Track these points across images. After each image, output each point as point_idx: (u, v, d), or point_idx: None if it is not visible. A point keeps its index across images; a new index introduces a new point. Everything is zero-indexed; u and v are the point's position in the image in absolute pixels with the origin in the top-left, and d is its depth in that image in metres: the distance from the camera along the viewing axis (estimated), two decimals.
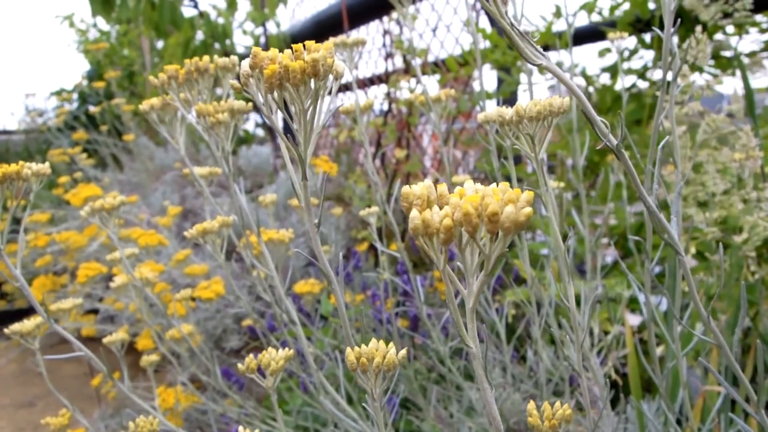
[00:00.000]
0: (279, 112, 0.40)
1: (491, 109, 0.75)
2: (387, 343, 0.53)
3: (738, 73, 1.73)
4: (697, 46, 0.77)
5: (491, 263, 0.31)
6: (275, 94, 0.37)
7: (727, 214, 1.16)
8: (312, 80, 0.37)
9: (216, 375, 1.12)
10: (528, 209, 0.29)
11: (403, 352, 0.48)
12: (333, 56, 0.37)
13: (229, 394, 1.15)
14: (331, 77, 0.38)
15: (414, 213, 0.31)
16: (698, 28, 0.80)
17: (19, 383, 2.49)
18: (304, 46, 0.37)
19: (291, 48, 0.37)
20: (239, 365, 0.60)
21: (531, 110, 0.46)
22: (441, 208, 0.32)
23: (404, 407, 1.40)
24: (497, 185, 0.32)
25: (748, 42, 1.81)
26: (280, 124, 0.45)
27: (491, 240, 0.30)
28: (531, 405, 0.46)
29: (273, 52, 0.37)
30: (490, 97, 2.20)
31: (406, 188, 0.32)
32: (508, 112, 0.48)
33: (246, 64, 0.39)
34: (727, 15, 1.40)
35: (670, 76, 0.58)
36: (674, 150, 0.63)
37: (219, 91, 0.76)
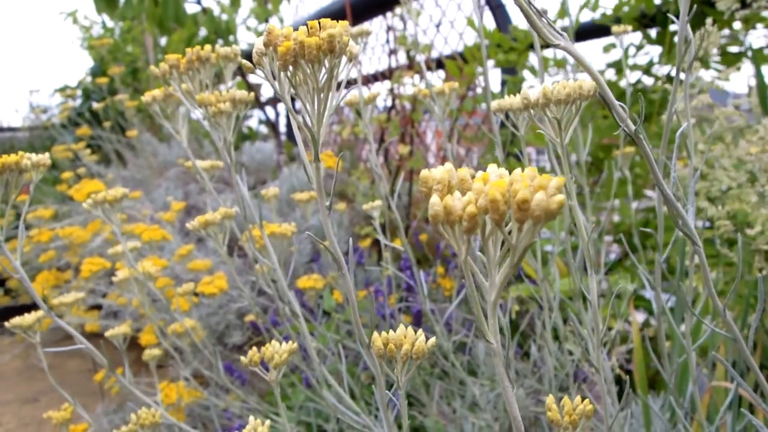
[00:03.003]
0: (288, 93, 0.39)
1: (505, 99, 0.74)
2: None
3: (743, 69, 1.71)
4: (708, 38, 0.76)
5: (518, 254, 0.29)
6: (289, 72, 0.36)
7: (737, 209, 1.15)
8: (326, 59, 0.36)
9: (219, 370, 1.12)
10: (560, 196, 0.27)
11: (433, 340, 0.47)
12: (348, 34, 0.36)
13: (232, 389, 1.15)
14: (344, 58, 0.37)
15: (434, 199, 0.29)
16: (709, 21, 0.79)
17: (24, 379, 2.49)
18: (319, 23, 0.37)
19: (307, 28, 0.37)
20: (242, 358, 0.59)
21: (559, 93, 0.44)
22: (462, 194, 0.29)
23: (407, 402, 1.39)
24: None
25: (755, 38, 1.79)
26: (291, 104, 0.44)
27: (518, 229, 0.29)
28: (550, 399, 0.45)
29: (287, 29, 0.36)
30: (495, 97, 2.19)
31: (425, 172, 0.30)
32: (533, 94, 0.46)
33: (260, 41, 0.38)
34: (744, 5, 1.38)
35: (683, 67, 0.57)
36: (689, 142, 0.62)
37: (223, 87, 0.76)
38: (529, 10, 0.35)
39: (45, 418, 1.06)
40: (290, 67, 0.37)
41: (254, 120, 3.93)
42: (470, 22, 2.27)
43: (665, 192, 0.43)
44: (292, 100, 0.41)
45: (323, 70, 0.37)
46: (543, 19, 0.36)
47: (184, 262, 1.68)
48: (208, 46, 0.67)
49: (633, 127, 0.40)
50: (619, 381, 1.34)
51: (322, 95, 0.38)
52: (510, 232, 0.29)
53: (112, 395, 1.89)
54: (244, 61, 0.41)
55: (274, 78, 0.39)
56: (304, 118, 0.40)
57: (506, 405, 0.34)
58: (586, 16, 2.10)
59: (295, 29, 0.38)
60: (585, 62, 0.38)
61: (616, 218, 1.92)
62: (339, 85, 0.40)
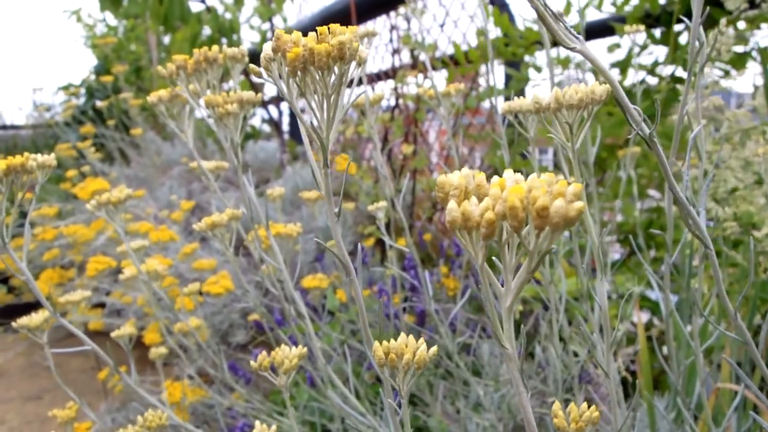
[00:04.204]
0: (296, 98, 0.39)
1: (506, 102, 0.73)
2: (395, 339, 0.52)
3: (747, 68, 1.71)
4: (720, 38, 0.76)
5: (536, 261, 0.28)
6: (297, 78, 0.36)
7: (743, 210, 1.15)
8: (336, 65, 0.36)
9: (223, 369, 1.12)
10: (580, 204, 0.27)
11: (434, 349, 0.47)
12: (358, 41, 0.36)
13: (237, 388, 1.15)
14: (353, 63, 0.37)
15: (452, 205, 0.29)
16: (723, 20, 0.78)
17: (27, 377, 2.50)
18: (328, 29, 0.37)
19: (316, 32, 0.36)
20: (252, 362, 0.59)
21: (572, 97, 0.44)
22: (479, 199, 0.29)
23: (411, 403, 1.39)
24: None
25: (761, 37, 1.78)
26: (299, 109, 0.44)
27: (536, 236, 0.28)
28: (556, 405, 0.44)
29: (296, 34, 0.36)
30: (499, 93, 2.18)
31: (442, 177, 0.30)
32: (544, 98, 0.46)
33: (268, 47, 0.38)
34: (753, 5, 1.37)
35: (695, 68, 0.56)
36: (699, 142, 0.62)
37: (226, 86, 0.76)
38: (544, 12, 0.35)
39: (49, 416, 1.06)
40: (299, 73, 0.37)
41: (257, 119, 3.93)
42: (485, 7, 2.26)
43: (678, 194, 0.43)
44: (300, 97, 0.41)
45: (332, 76, 0.37)
46: (559, 21, 0.36)
47: (189, 261, 1.68)
48: (215, 47, 0.66)
49: (647, 130, 0.40)
50: (623, 382, 1.34)
51: (331, 100, 0.38)
52: (527, 238, 0.28)
53: (115, 394, 1.90)
54: (252, 66, 0.41)
55: (283, 83, 0.39)
56: (312, 122, 0.39)
57: (521, 409, 0.33)
58: (592, 14, 2.10)
59: (303, 30, 0.38)
60: (601, 65, 0.38)
61: (619, 218, 1.92)
62: (348, 87, 0.40)
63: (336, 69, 0.36)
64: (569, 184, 0.27)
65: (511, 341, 0.32)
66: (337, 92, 0.37)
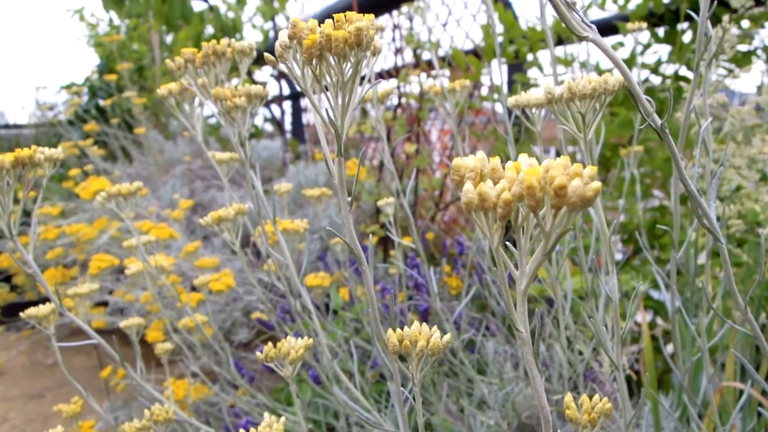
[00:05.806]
0: (311, 87, 0.38)
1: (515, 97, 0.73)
2: None
3: (750, 68, 1.70)
4: (723, 36, 0.76)
5: (552, 242, 0.29)
6: (313, 65, 0.36)
7: (748, 209, 1.14)
8: (353, 52, 0.36)
9: (229, 365, 1.12)
10: (597, 184, 0.27)
11: (448, 336, 0.47)
12: (374, 28, 0.36)
13: (242, 384, 1.15)
14: (369, 52, 0.37)
15: (468, 186, 0.29)
16: (726, 17, 0.78)
17: (29, 375, 2.50)
18: (345, 17, 0.37)
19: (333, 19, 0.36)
20: (258, 354, 0.59)
21: (585, 87, 0.44)
22: (494, 183, 0.29)
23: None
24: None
25: (765, 36, 1.78)
26: (316, 100, 0.44)
27: (553, 216, 0.28)
28: (568, 397, 0.44)
29: (313, 22, 0.36)
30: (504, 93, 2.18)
31: (457, 160, 0.30)
32: (557, 89, 0.46)
33: (284, 34, 0.37)
34: (758, 3, 1.37)
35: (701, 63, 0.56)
36: (707, 137, 0.62)
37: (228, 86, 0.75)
38: (558, 1, 0.35)
39: (54, 411, 1.07)
40: (314, 61, 0.37)
41: (259, 118, 3.93)
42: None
43: (688, 185, 0.43)
44: (303, 95, 0.41)
45: (349, 64, 0.37)
46: (572, 9, 0.36)
47: (191, 259, 1.69)
48: (224, 40, 0.66)
49: (659, 121, 0.40)
50: (627, 381, 1.34)
51: (346, 88, 0.38)
52: (544, 219, 0.28)
53: (117, 392, 1.90)
54: (267, 54, 0.40)
55: (299, 72, 0.38)
56: (327, 112, 0.39)
57: (534, 394, 0.33)
58: (596, 13, 2.10)
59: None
60: (613, 55, 0.38)
61: (622, 217, 1.92)
62: (362, 79, 0.40)
63: (352, 56, 0.36)
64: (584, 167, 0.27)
65: (525, 324, 0.32)
66: (353, 79, 0.37)
